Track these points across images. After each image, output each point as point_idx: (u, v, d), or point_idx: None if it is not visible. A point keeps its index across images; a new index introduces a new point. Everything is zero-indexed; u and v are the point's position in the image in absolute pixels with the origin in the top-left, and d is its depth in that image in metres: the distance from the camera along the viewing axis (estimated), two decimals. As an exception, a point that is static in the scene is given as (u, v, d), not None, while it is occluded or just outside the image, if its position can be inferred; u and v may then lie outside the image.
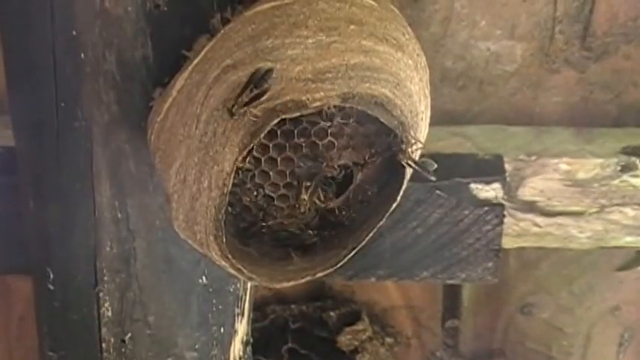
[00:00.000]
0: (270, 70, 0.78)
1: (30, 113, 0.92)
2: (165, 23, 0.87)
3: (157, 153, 0.86)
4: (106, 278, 0.98)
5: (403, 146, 0.79)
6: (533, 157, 1.14)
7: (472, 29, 1.15)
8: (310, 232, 0.87)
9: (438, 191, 1.10)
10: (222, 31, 0.83)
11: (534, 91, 1.19)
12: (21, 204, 0.99)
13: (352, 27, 0.81)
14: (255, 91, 0.77)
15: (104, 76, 0.88)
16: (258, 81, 0.78)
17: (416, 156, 0.83)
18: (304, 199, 0.85)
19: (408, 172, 0.84)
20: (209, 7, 0.87)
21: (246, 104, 0.77)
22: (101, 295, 0.99)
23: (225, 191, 0.79)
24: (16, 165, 0.98)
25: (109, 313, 1.00)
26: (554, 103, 1.19)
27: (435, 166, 0.81)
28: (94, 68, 0.88)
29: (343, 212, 0.88)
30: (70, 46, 0.87)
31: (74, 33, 0.87)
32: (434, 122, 0.90)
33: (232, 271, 0.83)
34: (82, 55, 0.87)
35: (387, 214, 0.85)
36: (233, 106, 0.77)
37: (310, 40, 0.79)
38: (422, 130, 0.85)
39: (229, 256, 0.81)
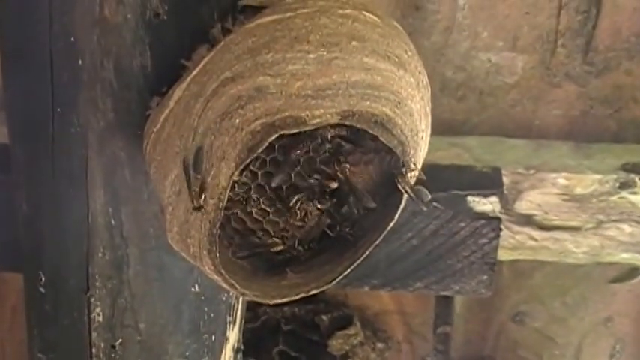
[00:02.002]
0: (200, 149, 0.78)
1: (26, 118, 0.92)
2: (165, 32, 0.86)
3: (152, 163, 0.85)
4: (97, 284, 0.97)
5: (403, 170, 0.78)
6: (532, 171, 1.13)
7: (473, 40, 1.14)
8: (306, 248, 0.87)
9: (434, 203, 1.10)
10: (222, 43, 0.82)
11: (534, 103, 1.18)
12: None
13: (354, 43, 0.79)
14: (199, 177, 0.77)
15: (101, 84, 0.87)
16: (195, 165, 0.78)
17: (412, 180, 0.82)
18: (295, 213, 0.84)
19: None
20: (209, 17, 0.87)
21: (201, 192, 0.77)
22: (92, 300, 0.98)
23: (220, 206, 0.77)
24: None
25: (100, 319, 0.99)
26: (554, 116, 1.19)
27: (429, 197, 0.81)
28: (91, 75, 0.87)
29: (347, 229, 0.87)
30: (67, 53, 0.86)
31: (72, 39, 0.86)
32: (432, 132, 0.89)
33: (225, 286, 0.82)
34: (80, 62, 0.86)
35: (385, 232, 0.85)
36: (193, 203, 0.77)
37: (311, 56, 0.78)
38: (422, 149, 0.84)
39: (222, 271, 0.80)
